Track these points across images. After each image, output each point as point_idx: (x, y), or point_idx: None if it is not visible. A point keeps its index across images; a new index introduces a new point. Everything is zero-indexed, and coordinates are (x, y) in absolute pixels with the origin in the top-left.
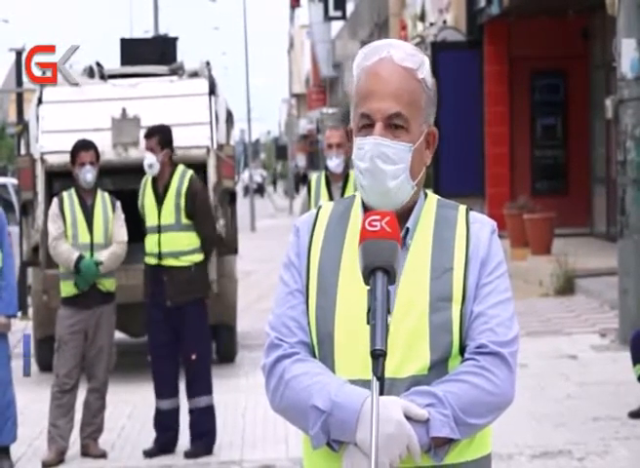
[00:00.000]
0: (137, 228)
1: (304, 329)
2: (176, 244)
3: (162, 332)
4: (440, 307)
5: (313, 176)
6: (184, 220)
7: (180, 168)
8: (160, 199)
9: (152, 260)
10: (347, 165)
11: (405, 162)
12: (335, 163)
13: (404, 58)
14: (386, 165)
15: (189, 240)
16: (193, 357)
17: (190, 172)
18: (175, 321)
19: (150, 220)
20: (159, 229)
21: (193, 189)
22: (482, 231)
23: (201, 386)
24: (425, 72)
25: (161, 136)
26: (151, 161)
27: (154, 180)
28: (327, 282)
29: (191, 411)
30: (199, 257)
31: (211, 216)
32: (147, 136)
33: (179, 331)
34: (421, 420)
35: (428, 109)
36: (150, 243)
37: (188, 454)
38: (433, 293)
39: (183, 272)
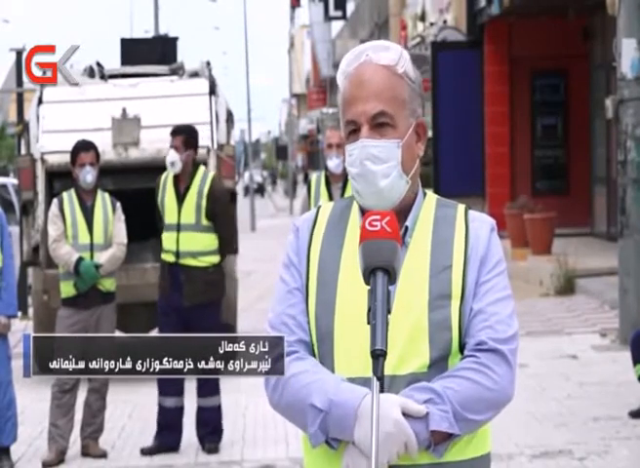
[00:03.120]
0: (137, 228)
1: (304, 327)
2: (195, 243)
3: (174, 331)
4: (439, 305)
5: (313, 176)
6: (204, 221)
7: (202, 169)
8: (181, 198)
9: (170, 258)
10: None
11: (394, 159)
12: (335, 163)
13: (381, 56)
14: (375, 165)
15: (209, 241)
16: None
17: (212, 173)
18: (189, 321)
19: (170, 218)
20: (178, 228)
21: (215, 191)
22: (481, 229)
23: (215, 385)
24: (406, 65)
25: (187, 137)
26: (174, 159)
27: (175, 179)
28: (326, 280)
29: (205, 409)
30: (217, 259)
31: (230, 219)
32: (173, 133)
33: (192, 331)
34: (420, 416)
35: (414, 102)
36: (169, 240)
37: (211, 450)
38: (432, 291)
39: (202, 272)
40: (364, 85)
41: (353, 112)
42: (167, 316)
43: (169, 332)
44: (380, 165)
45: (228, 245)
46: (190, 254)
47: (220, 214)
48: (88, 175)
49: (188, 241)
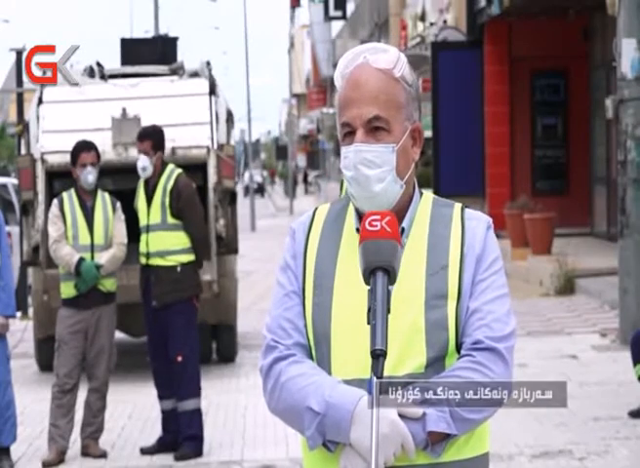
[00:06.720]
0: (137, 228)
1: (300, 330)
2: (162, 243)
3: (154, 333)
4: (436, 304)
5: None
6: (170, 219)
7: (170, 167)
8: (149, 199)
9: (142, 260)
10: None
11: (389, 163)
12: None
13: (378, 59)
14: (370, 170)
15: (177, 239)
16: (179, 359)
17: (178, 170)
18: (162, 321)
19: (142, 221)
20: (148, 229)
21: (178, 187)
22: (478, 228)
23: (188, 389)
24: (403, 70)
25: (155, 140)
26: (145, 164)
27: (146, 181)
28: (323, 283)
29: (179, 414)
30: (187, 258)
31: (197, 216)
32: (141, 138)
33: (166, 331)
34: (416, 417)
35: (410, 106)
36: (141, 243)
37: (177, 457)
38: (429, 291)
39: (169, 272)
40: (360, 88)
41: (348, 115)
42: (147, 318)
43: (150, 335)
44: (375, 169)
45: (199, 243)
46: (158, 254)
47: (186, 211)
48: (89, 176)
49: (156, 241)
